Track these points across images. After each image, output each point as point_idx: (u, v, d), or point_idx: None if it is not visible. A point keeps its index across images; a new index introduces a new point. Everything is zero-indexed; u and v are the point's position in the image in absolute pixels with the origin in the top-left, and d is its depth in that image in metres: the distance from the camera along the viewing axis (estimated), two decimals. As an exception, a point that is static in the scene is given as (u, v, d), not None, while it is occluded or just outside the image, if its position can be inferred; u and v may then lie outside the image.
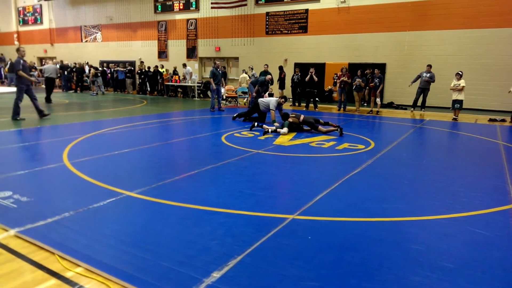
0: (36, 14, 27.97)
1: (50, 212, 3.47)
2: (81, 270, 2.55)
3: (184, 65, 18.31)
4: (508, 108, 12.45)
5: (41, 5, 27.37)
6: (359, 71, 12.97)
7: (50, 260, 2.66)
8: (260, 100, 9.74)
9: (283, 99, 9.52)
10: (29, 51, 28.97)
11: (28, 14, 28.56)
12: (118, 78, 20.43)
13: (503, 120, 11.04)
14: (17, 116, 9.31)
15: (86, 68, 21.09)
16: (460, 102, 11.18)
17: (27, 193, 3.98)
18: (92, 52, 25.11)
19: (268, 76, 12.76)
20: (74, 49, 26.27)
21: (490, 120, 11.23)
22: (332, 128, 8.37)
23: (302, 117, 8.56)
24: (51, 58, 26.39)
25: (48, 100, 14.07)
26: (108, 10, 23.96)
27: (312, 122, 8.49)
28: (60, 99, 15.79)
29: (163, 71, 19.25)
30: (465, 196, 4.28)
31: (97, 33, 24.93)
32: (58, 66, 14.39)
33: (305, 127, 8.68)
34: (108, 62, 21.96)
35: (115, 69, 20.62)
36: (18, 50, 9.51)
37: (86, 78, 20.53)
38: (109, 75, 21.11)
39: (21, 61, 9.36)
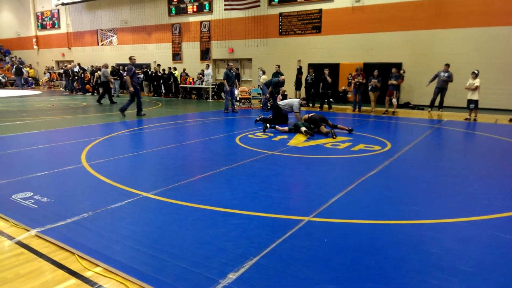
0: (54, 19, 28.66)
1: (70, 212, 3.54)
2: (100, 270, 2.59)
3: (208, 66, 18.41)
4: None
5: (58, 10, 28.06)
6: (376, 71, 12.80)
7: (70, 260, 2.72)
8: (280, 103, 9.73)
9: (304, 101, 9.60)
10: (47, 55, 29.78)
11: (46, 19, 29.28)
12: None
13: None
14: (124, 111, 11.12)
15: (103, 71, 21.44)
16: (475, 102, 10.91)
17: (47, 194, 4.07)
18: (108, 55, 25.55)
19: (282, 77, 12.74)
20: (90, 52, 26.80)
21: (511, 120, 10.93)
22: (337, 131, 8.37)
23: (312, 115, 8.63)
24: (69, 62, 27.04)
25: (98, 101, 15.32)
26: (123, 14, 24.36)
27: (317, 120, 8.45)
28: (77, 101, 16.12)
29: (176, 73, 19.37)
30: (486, 198, 4.18)
31: (113, 36, 25.37)
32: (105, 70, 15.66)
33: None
34: (124, 65, 22.27)
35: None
36: (130, 58, 11.18)
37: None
38: (124, 78, 21.40)
39: (133, 68, 10.83)
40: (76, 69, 21.36)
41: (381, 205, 3.92)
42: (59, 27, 28.53)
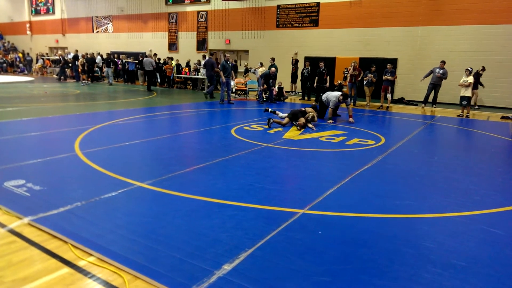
0: (48, 4, 28.17)
1: (63, 201, 3.51)
2: (94, 259, 2.58)
3: (204, 57, 18.27)
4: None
5: (53, -5, 27.55)
6: (373, 66, 12.83)
7: (63, 249, 2.70)
8: (322, 96, 9.74)
9: (342, 97, 9.17)
10: (41, 41, 29.32)
11: (40, 4, 28.77)
12: (129, 70, 20.51)
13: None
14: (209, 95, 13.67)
15: (98, 59, 21.21)
16: (468, 98, 10.99)
17: (40, 182, 4.03)
18: (103, 43, 25.23)
19: (272, 69, 12.79)
20: (85, 39, 26.43)
21: (503, 117, 11.04)
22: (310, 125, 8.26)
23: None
24: (63, 48, 26.65)
25: (149, 89, 16.66)
26: (119, 1, 24.01)
27: (297, 113, 8.36)
28: (71, 89, 15.93)
29: (172, 63, 19.19)
30: (477, 194, 4.22)
31: (108, 24, 25.02)
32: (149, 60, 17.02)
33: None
34: (118, 53, 22.04)
35: (126, 60, 20.68)
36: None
37: (97, 68, 20.66)
38: (120, 66, 21.21)
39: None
40: (70, 56, 21.07)
41: (375, 198, 3.94)
42: (53, 13, 28.04)
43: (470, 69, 11.08)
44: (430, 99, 12.72)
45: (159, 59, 19.51)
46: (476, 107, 13.11)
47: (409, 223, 3.38)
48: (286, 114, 8.51)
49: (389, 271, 2.53)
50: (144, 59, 17.18)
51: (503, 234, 3.17)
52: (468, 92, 10.97)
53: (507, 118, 10.92)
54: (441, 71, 12.19)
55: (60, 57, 21.45)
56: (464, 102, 11.03)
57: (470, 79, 10.92)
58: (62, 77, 20.57)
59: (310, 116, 8.40)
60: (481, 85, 12.79)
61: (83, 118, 8.61)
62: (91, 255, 2.63)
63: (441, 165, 5.54)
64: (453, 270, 2.56)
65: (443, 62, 12.29)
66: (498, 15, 13.03)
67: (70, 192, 3.77)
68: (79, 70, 19.73)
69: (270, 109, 9.02)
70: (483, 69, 12.74)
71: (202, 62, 17.79)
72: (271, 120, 8.20)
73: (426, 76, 12.54)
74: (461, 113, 11.22)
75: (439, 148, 6.99)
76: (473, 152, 6.67)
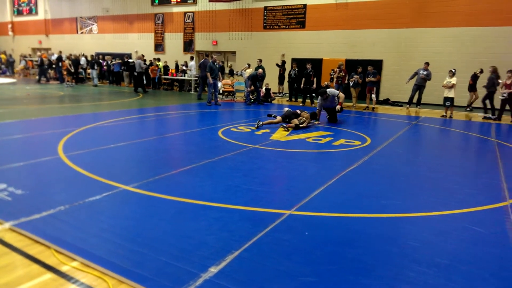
0: (31, 5, 27.62)
1: (45, 205, 3.44)
2: (77, 264, 2.53)
3: (192, 58, 18.23)
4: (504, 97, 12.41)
5: (36, -5, 27.04)
6: (360, 67, 13.00)
7: (45, 254, 2.64)
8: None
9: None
10: (24, 41, 28.72)
11: (23, 5, 28.19)
12: (114, 71, 20.25)
13: (497, 118, 11.09)
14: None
15: (82, 60, 20.88)
16: (451, 99, 11.20)
17: (22, 186, 3.94)
18: (88, 44, 24.86)
19: (259, 71, 12.84)
20: (69, 40, 26.00)
21: (485, 118, 11.29)
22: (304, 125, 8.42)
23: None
24: (46, 50, 26.17)
25: (136, 90, 16.58)
26: (104, 1, 23.71)
27: (290, 115, 8.49)
28: (54, 91, 15.65)
29: (159, 65, 19.04)
30: (460, 193, 4.30)
31: (93, 24, 24.68)
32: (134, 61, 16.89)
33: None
34: (104, 54, 21.74)
35: (112, 62, 20.40)
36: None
37: (81, 70, 20.33)
38: (104, 67, 20.93)
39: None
40: (54, 57, 20.67)
41: (362, 199, 3.98)
42: (36, 13, 27.50)
43: (453, 70, 11.30)
44: (415, 100, 12.92)
45: (144, 60, 19.32)
46: (468, 109, 13.22)
47: (394, 223, 3.42)
48: (280, 117, 8.63)
49: (375, 270, 2.55)
50: (135, 61, 17.02)
51: (485, 232, 3.24)
52: (451, 93, 11.18)
53: (489, 118, 11.17)
54: (425, 73, 12.40)
55: (39, 58, 20.98)
56: (448, 103, 11.23)
57: (454, 80, 11.13)
58: (42, 79, 20.12)
59: (301, 120, 8.45)
60: (475, 88, 12.79)
61: (67, 120, 8.45)
62: (75, 259, 2.58)
63: (425, 164, 5.63)
64: (437, 269, 2.60)
65: (427, 64, 12.51)
66: (482, 18, 13.32)
67: (53, 196, 3.69)
68: (64, 71, 19.37)
69: (272, 115, 9.06)
70: (481, 71, 12.59)
71: (190, 63, 17.75)
72: (261, 123, 8.22)
73: (411, 78, 12.74)
74: (444, 114, 11.43)
75: (423, 148, 7.10)
76: (456, 152, 6.80)
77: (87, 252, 2.64)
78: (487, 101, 11.53)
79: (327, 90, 9.20)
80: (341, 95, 9.32)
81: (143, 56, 17.45)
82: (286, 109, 8.92)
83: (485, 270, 2.61)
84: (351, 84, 12.97)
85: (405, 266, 2.63)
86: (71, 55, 20.26)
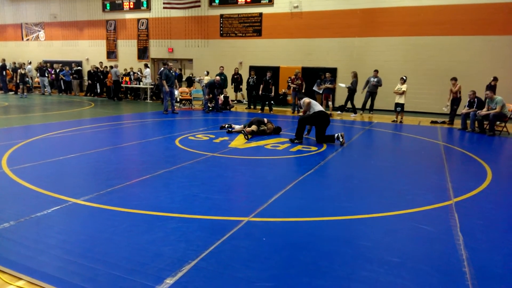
0: (-31, 9, 25.69)
1: (-14, 223, 3.20)
2: (23, 283, 2.38)
3: (146, 65, 17.81)
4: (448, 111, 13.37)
5: (-25, -1, 25.23)
6: (323, 74, 13.48)
7: (-15, 276, 2.45)
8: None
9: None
10: (-38, 48, 26.57)
11: (-41, 8, 26.14)
12: (65, 80, 19.32)
13: (444, 122, 11.88)
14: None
15: (28, 68, 19.69)
16: (401, 105, 11.87)
17: (-41, 203, 3.64)
18: (34, 51, 23.55)
19: (217, 78, 12.90)
20: (14, 47, 24.48)
21: (432, 122, 12.04)
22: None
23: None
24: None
25: (113, 98, 17.08)
26: (52, 7, 22.63)
27: (253, 121, 8.65)
28: (-2, 101, 14.63)
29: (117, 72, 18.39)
30: (409, 194, 4.55)
31: (40, 31, 23.45)
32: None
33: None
34: (52, 62, 20.69)
35: (62, 73, 19.42)
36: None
37: (27, 79, 19.16)
38: (53, 75, 19.91)
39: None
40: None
41: (317, 202, 4.09)
42: (-25, 18, 25.65)
43: (404, 77, 11.97)
44: (368, 106, 13.51)
45: (96, 68, 18.64)
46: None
47: (348, 224, 3.55)
48: (242, 126, 8.69)
49: (330, 271, 2.63)
50: (112, 69, 17.18)
51: (432, 230, 3.44)
52: (402, 99, 11.83)
53: (436, 122, 11.93)
54: (375, 80, 13.04)
55: None
56: (398, 109, 11.88)
57: (404, 87, 11.79)
58: None
59: (262, 129, 8.52)
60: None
61: (12, 132, 7.93)
62: (21, 278, 2.42)
63: (377, 168, 5.89)
64: (388, 266, 2.72)
65: (376, 71, 13.17)
66: (425, 27, 14.27)
67: (-5, 213, 3.44)
68: (9, 81, 18.14)
69: (226, 125, 9.11)
70: (495, 79, 11.90)
71: (145, 71, 17.39)
72: (227, 125, 8.45)
73: (365, 87, 13.32)
74: (395, 119, 12.06)
75: (376, 152, 7.43)
76: (406, 155, 7.19)
77: (34, 270, 2.49)
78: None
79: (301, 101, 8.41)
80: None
81: (117, 66, 17.04)
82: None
83: (430, 266, 2.77)
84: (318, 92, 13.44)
85: (358, 265, 2.73)
86: (15, 63, 19.04)
